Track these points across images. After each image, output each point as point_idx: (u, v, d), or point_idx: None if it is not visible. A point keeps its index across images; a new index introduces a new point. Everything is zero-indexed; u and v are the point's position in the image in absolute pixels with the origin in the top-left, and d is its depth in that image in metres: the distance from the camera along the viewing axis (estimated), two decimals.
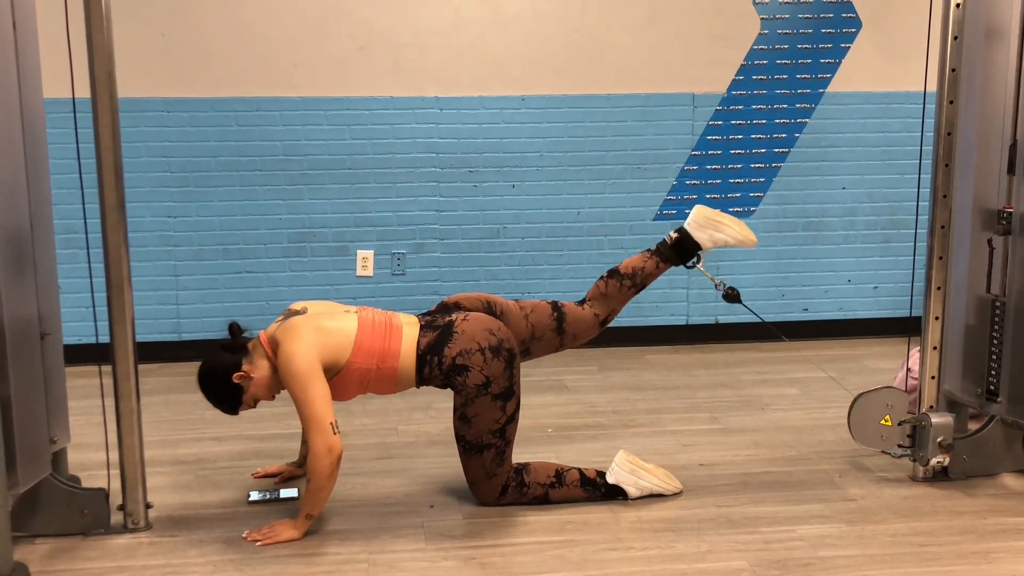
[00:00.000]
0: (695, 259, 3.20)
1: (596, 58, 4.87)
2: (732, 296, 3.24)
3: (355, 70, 4.76)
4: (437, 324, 2.96)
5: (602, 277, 3.23)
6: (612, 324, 5.02)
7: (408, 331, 2.94)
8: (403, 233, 4.90)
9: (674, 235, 3.20)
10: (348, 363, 2.86)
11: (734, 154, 5.00)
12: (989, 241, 3.07)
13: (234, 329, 2.96)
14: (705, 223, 3.17)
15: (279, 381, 2.89)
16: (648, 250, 3.24)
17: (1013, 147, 3.00)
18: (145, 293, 4.73)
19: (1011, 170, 3.02)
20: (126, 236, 2.76)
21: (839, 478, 3.26)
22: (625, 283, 3.20)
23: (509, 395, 2.93)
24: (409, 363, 2.91)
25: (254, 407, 2.97)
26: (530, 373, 4.21)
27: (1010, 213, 3.01)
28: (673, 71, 4.91)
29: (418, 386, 2.98)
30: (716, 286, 3.27)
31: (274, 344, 2.87)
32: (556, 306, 3.15)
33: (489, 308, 3.06)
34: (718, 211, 3.19)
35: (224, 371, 2.87)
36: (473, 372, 2.87)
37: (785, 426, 3.80)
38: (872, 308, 5.21)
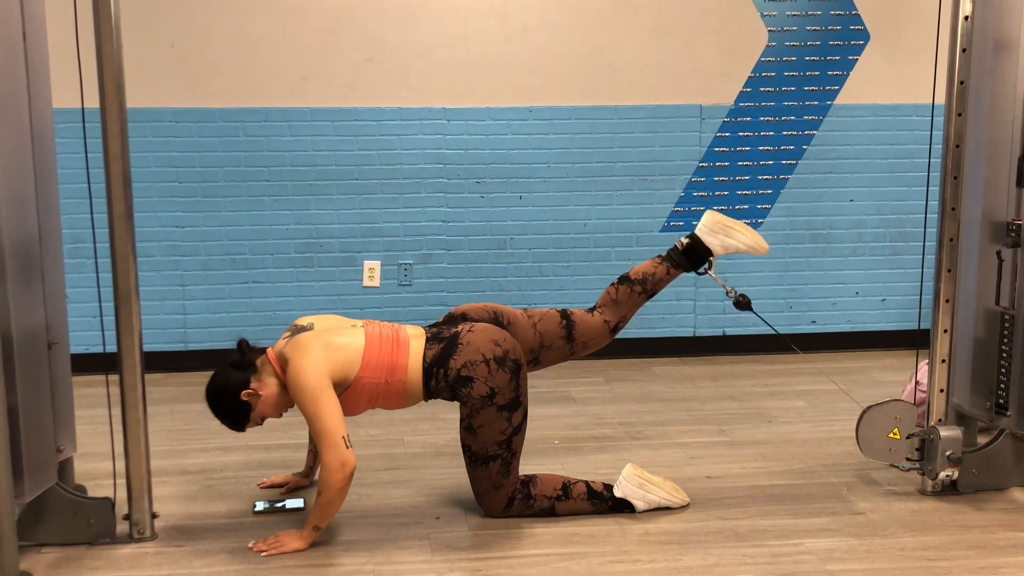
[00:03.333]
0: (707, 265, 3.17)
1: (603, 69, 4.87)
2: (743, 303, 3.19)
3: (363, 81, 4.77)
4: (443, 336, 2.95)
5: (612, 283, 3.21)
6: (619, 336, 5.05)
7: (415, 344, 2.94)
8: (410, 244, 4.90)
9: (685, 240, 3.17)
10: (357, 378, 2.85)
11: (741, 166, 5.00)
12: (998, 253, 3.06)
13: (243, 346, 2.94)
14: (717, 228, 3.14)
15: (287, 399, 2.88)
16: (659, 256, 3.21)
17: (1022, 159, 2.99)
18: (152, 303, 4.74)
19: (1020, 183, 3.01)
20: (134, 246, 2.77)
21: (847, 491, 3.25)
22: (635, 288, 3.17)
23: (515, 406, 2.93)
24: (416, 376, 2.91)
25: (260, 424, 2.96)
26: (536, 385, 4.21)
27: (1019, 225, 3.00)
28: (680, 83, 4.91)
29: (426, 399, 2.97)
30: (727, 293, 3.21)
31: (282, 361, 2.87)
32: (565, 314, 3.13)
33: (496, 319, 3.06)
34: (729, 218, 3.17)
35: (233, 388, 2.86)
36: (478, 383, 2.87)
37: (793, 439, 3.79)
38: (880, 321, 5.20)
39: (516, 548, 2.85)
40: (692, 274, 4.98)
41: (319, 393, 2.75)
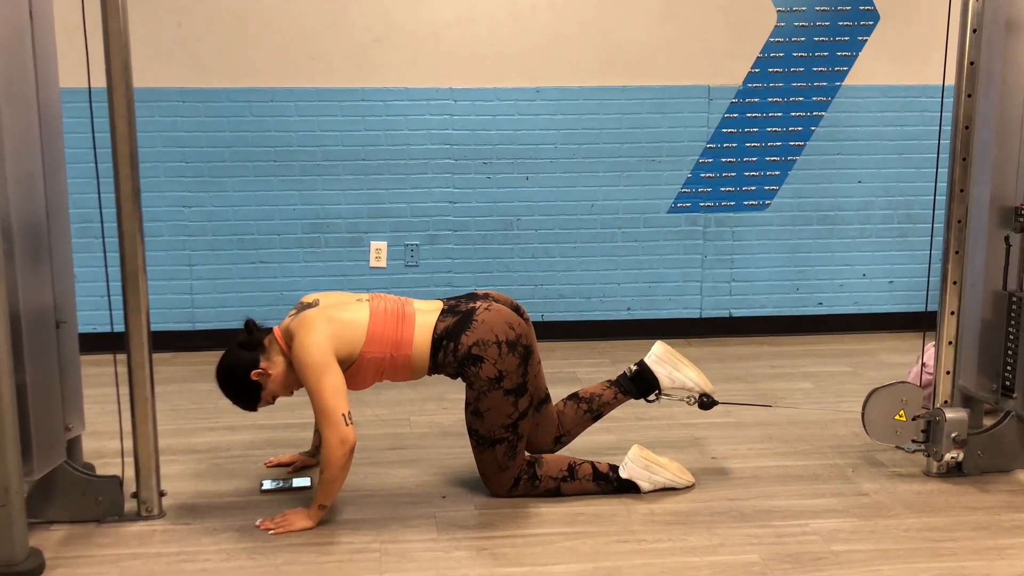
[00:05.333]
0: (655, 394, 3.19)
1: (611, 50, 4.85)
2: (708, 404, 3.18)
3: (371, 62, 4.76)
4: (459, 310, 2.96)
5: (563, 398, 3.26)
6: (625, 316, 5.06)
7: (423, 318, 2.94)
8: (417, 224, 4.90)
9: (634, 368, 3.22)
10: (362, 353, 2.86)
11: (749, 147, 4.98)
12: (1006, 238, 3.05)
13: (251, 326, 2.95)
14: (666, 358, 3.19)
15: (296, 377, 2.89)
16: (609, 380, 3.25)
17: None
18: (160, 283, 4.75)
19: None
20: (141, 226, 2.77)
21: (852, 472, 3.25)
22: (581, 406, 3.22)
23: (522, 391, 2.93)
24: (423, 349, 2.91)
25: (272, 403, 2.97)
26: (543, 366, 4.20)
27: None
28: (688, 63, 4.89)
29: (430, 373, 2.97)
30: (688, 403, 3.20)
31: (288, 338, 2.87)
32: (548, 393, 3.19)
33: (516, 308, 3.07)
34: (679, 353, 3.21)
35: (242, 369, 2.87)
36: (487, 364, 2.87)
37: (798, 420, 3.79)
38: (887, 302, 5.19)
39: (522, 527, 2.86)
40: (701, 257, 5.03)
41: (322, 369, 2.76)
